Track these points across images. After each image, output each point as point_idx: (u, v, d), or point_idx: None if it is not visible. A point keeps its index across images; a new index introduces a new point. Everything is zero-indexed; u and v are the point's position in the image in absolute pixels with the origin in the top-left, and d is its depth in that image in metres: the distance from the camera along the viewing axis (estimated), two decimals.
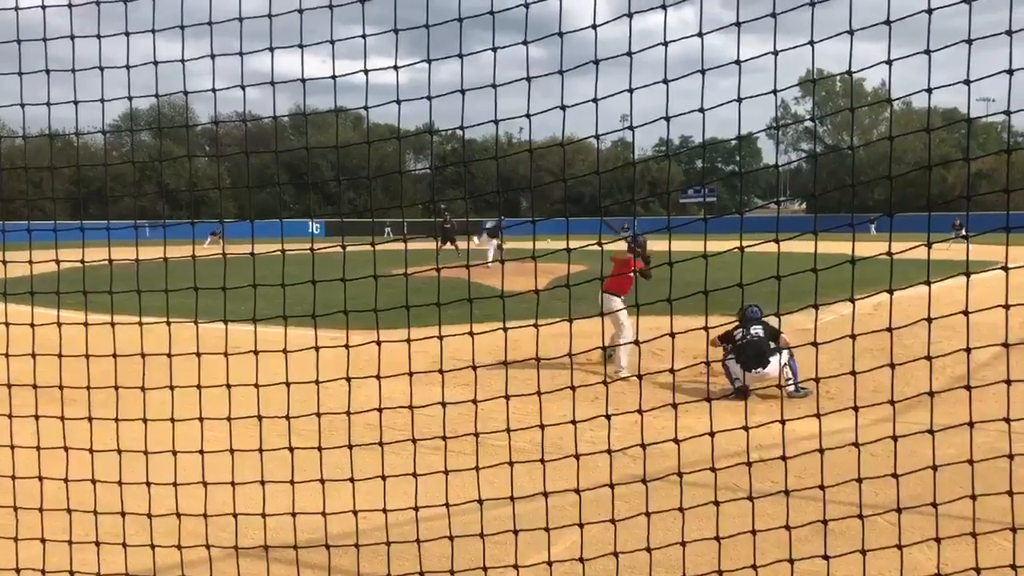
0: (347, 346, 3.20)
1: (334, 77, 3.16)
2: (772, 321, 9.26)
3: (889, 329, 2.92)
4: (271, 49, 3.16)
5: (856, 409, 2.99)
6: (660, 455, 3.53)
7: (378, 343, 3.31)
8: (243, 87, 3.27)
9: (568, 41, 3.27)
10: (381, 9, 3.40)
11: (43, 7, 3.41)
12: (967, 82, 2.74)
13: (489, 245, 27.21)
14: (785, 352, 8.92)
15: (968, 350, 2.93)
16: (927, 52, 2.73)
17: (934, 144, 3.60)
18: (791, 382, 8.78)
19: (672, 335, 3.15)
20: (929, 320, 2.86)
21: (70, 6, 3.42)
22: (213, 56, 3.28)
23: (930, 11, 2.65)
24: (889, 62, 2.72)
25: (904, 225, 2.82)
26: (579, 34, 3.23)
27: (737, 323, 9.12)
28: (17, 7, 3.37)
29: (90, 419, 3.52)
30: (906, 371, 3.04)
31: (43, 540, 3.57)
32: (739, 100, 2.98)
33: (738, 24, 2.95)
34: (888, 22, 2.71)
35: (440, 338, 3.15)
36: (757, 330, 9.13)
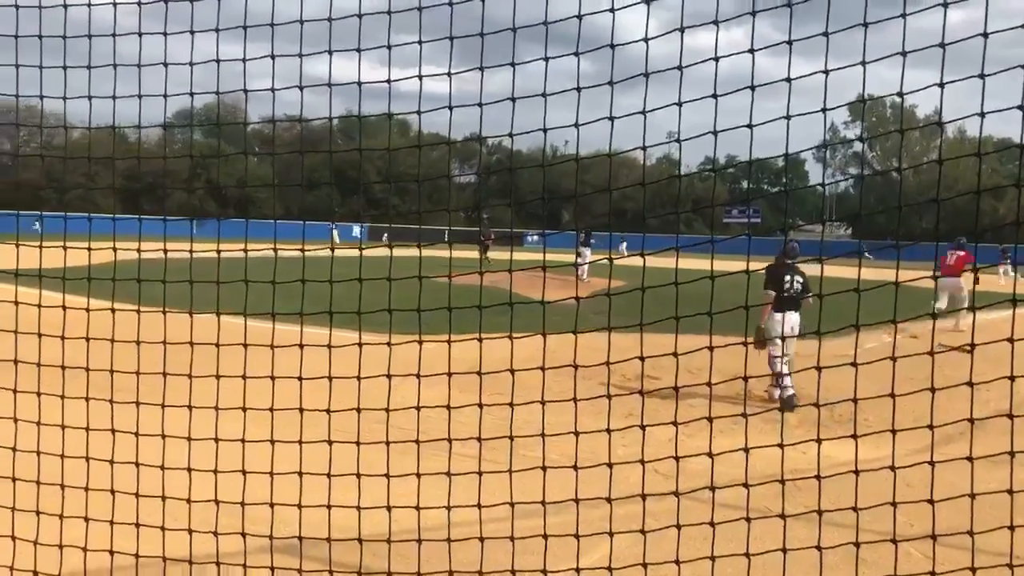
0: (389, 344, 3.26)
1: (389, 81, 3.24)
2: (805, 268, 10.21)
3: (931, 353, 2.90)
4: (329, 52, 3.25)
5: (894, 432, 2.96)
6: (691, 475, 3.53)
7: (420, 342, 3.37)
8: (301, 87, 3.36)
9: (616, 57, 3.31)
10: (433, 19, 3.47)
11: (114, 4, 3.54)
12: (1022, 107, 2.72)
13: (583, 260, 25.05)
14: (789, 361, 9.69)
15: (1012, 378, 2.90)
16: (981, 76, 2.72)
17: (986, 175, 3.57)
18: (789, 387, 9.31)
19: (711, 348, 3.15)
20: (972, 347, 2.83)
21: (139, 4, 3.55)
22: (273, 56, 3.38)
23: (986, 35, 2.64)
24: (941, 84, 2.71)
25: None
26: (627, 52, 3.27)
27: (779, 259, 9.71)
28: (90, 3, 3.50)
29: (137, 404, 3.63)
30: (947, 404, 2.99)
31: (87, 519, 3.68)
32: (788, 118, 2.99)
33: (789, 43, 2.97)
34: (943, 45, 2.70)
35: (480, 340, 3.20)
36: (798, 280, 9.90)
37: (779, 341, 9.46)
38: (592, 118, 3.25)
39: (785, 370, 9.47)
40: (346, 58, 3.64)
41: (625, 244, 49.11)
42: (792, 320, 9.86)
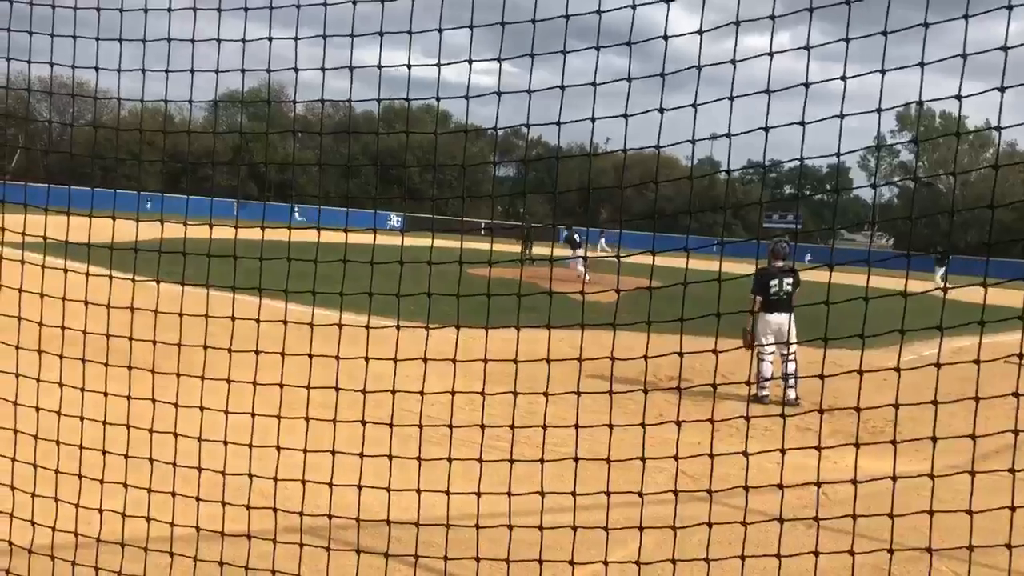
0: (427, 327, 3.28)
1: (439, 65, 3.25)
2: (795, 269, 10.27)
3: (977, 361, 2.84)
4: (380, 34, 3.28)
5: (934, 440, 2.91)
6: (721, 479, 3.50)
7: (457, 327, 3.39)
8: (351, 68, 3.39)
9: (663, 56, 3.28)
10: (480, 12, 3.48)
11: None
12: None
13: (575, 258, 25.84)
14: (792, 363, 9.89)
15: None
16: None
17: None
18: (791, 385, 9.29)
19: (716, 352, 3.12)
20: (1021, 356, 2.77)
21: None
22: (325, 36, 3.41)
23: None
24: (1002, 88, 2.65)
25: (995, 271, 2.72)
26: (673, 52, 3.25)
27: (769, 262, 9.82)
28: None
29: (178, 375, 3.70)
30: (985, 420, 2.91)
31: (126, 485, 3.76)
32: (841, 117, 2.95)
33: (847, 40, 2.93)
34: (1005, 48, 2.65)
35: (518, 328, 3.21)
36: (788, 283, 10.01)
37: (767, 342, 9.63)
38: (640, 113, 3.24)
39: (790, 370, 9.87)
40: (391, 46, 3.66)
41: (604, 240, 49.03)
42: (779, 321, 9.90)
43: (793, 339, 10.10)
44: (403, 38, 3.40)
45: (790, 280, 10.14)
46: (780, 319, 10.06)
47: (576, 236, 30.80)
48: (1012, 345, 2.92)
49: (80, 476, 3.85)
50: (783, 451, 3.13)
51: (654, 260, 3.20)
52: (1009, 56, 2.73)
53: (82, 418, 3.82)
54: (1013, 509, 2.89)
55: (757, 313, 10.02)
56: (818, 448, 3.07)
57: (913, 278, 2.85)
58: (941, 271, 30.08)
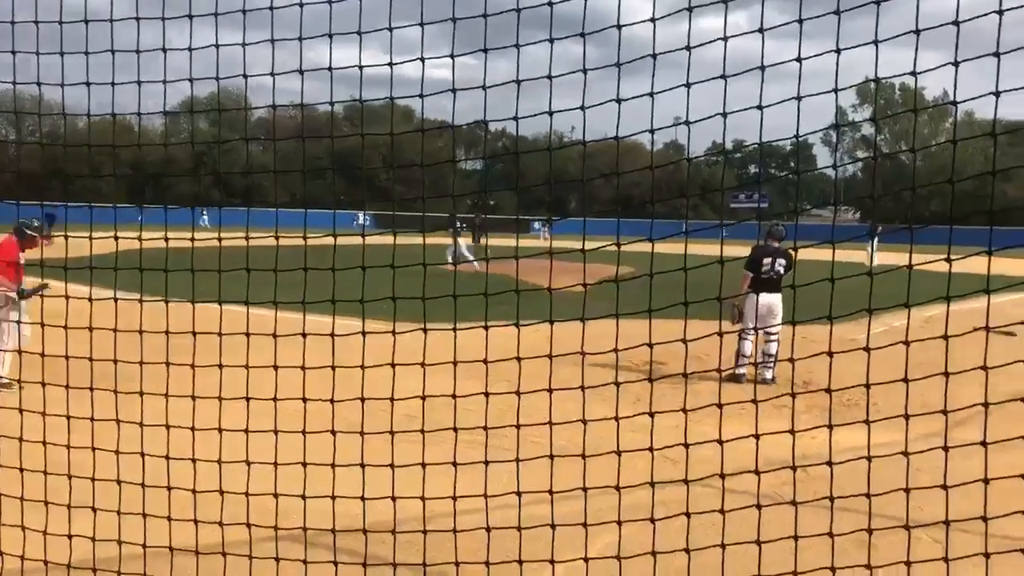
0: (394, 332, 3.23)
1: (391, 64, 3.19)
2: (789, 248, 10.29)
3: (945, 337, 2.85)
4: (330, 36, 3.20)
5: (907, 418, 2.92)
6: (701, 462, 3.49)
7: (424, 330, 3.33)
8: (301, 72, 3.32)
9: (620, 43, 3.25)
10: (432, 6, 3.42)
11: None
12: None
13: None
14: (774, 344, 10.16)
15: None
16: (996, 55, 2.66)
17: (994, 156, 3.51)
18: (768, 365, 9.42)
19: (720, 334, 3.12)
20: (987, 329, 2.79)
21: None
22: (273, 41, 3.33)
23: (1001, 12, 2.58)
24: (956, 63, 2.65)
25: (960, 239, 2.73)
26: (630, 39, 3.22)
27: (764, 241, 9.94)
28: None
29: (141, 394, 3.61)
30: (957, 388, 2.95)
31: (94, 509, 3.67)
32: (799, 98, 2.93)
33: (800, 21, 2.91)
34: (956, 22, 2.64)
35: (486, 327, 3.16)
36: (780, 263, 10.12)
37: (751, 321, 9.68)
38: (597, 104, 3.20)
39: (771, 350, 10.14)
40: (347, 46, 3.59)
41: (545, 230, 48.60)
42: (768, 301, 9.96)
43: (779, 320, 10.17)
44: (366, 37, 3.34)
45: (783, 262, 10.21)
46: (768, 299, 10.13)
47: (459, 224, 26.60)
48: (979, 311, 2.92)
49: (46, 503, 3.76)
50: (756, 436, 3.12)
51: (619, 249, 3.17)
52: (961, 28, 2.72)
53: (44, 443, 3.73)
54: (987, 482, 2.90)
55: (747, 291, 10.08)
56: (792, 432, 3.06)
57: (881, 250, 2.85)
58: (874, 243, 30.41)
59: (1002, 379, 3.06)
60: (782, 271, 10.22)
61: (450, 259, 21.50)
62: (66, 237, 3.63)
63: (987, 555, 2.97)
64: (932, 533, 4.63)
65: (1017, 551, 3.04)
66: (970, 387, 2.88)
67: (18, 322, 6.70)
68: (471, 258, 22.29)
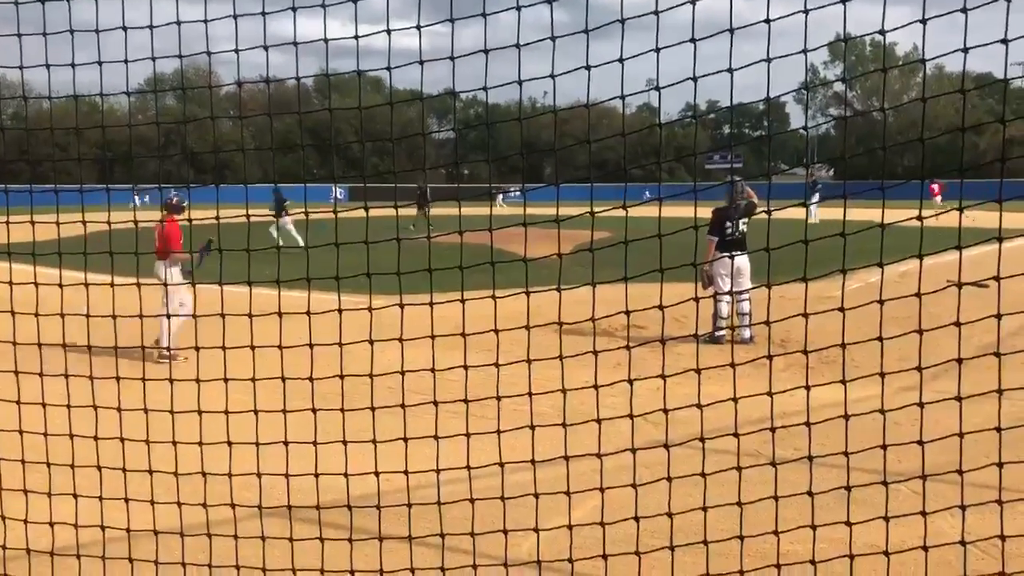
0: (370, 309, 3.21)
1: (356, 37, 3.13)
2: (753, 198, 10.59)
3: (918, 295, 2.88)
4: (294, 9, 3.14)
5: (883, 376, 2.96)
6: (682, 422, 3.52)
7: (401, 306, 3.32)
8: (266, 47, 3.25)
9: (589, 8, 3.22)
10: None
11: None
12: (1004, 41, 2.66)
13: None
14: (746, 303, 10.33)
15: (999, 316, 2.88)
16: (964, 11, 2.65)
17: (966, 111, 3.51)
18: (745, 324, 9.58)
19: (696, 300, 3.13)
20: (959, 285, 2.81)
21: None
22: (236, 16, 3.26)
23: None
24: (923, 20, 2.64)
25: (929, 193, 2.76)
26: (600, 1, 3.18)
27: (727, 204, 10.06)
28: None
29: (118, 379, 3.58)
30: (933, 340, 2.99)
31: (75, 496, 3.65)
32: (768, 60, 2.92)
33: None
34: None
35: (463, 301, 3.15)
36: (743, 223, 10.32)
37: (724, 282, 9.85)
38: (568, 69, 3.17)
39: (744, 309, 10.26)
40: (313, 17, 3.52)
41: (502, 197, 48.05)
42: (738, 262, 10.02)
43: (747, 279, 10.28)
44: (332, 9, 3.28)
45: (745, 220, 10.30)
46: (740, 261, 10.18)
47: (284, 197, 22.36)
48: (954, 264, 2.95)
49: (25, 492, 3.73)
50: (735, 399, 3.15)
51: (593, 217, 3.17)
52: None
53: (21, 432, 3.69)
54: (962, 436, 2.95)
55: (715, 254, 10.17)
56: (770, 394, 3.09)
57: (852, 206, 2.85)
58: (815, 198, 30.67)
59: (976, 331, 3.09)
60: (745, 229, 10.34)
61: (275, 234, 19.31)
62: (32, 223, 3.56)
63: (963, 507, 3.03)
64: (911, 485, 4.72)
65: (992, 502, 3.11)
66: (946, 339, 2.92)
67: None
68: (298, 240, 20.21)
